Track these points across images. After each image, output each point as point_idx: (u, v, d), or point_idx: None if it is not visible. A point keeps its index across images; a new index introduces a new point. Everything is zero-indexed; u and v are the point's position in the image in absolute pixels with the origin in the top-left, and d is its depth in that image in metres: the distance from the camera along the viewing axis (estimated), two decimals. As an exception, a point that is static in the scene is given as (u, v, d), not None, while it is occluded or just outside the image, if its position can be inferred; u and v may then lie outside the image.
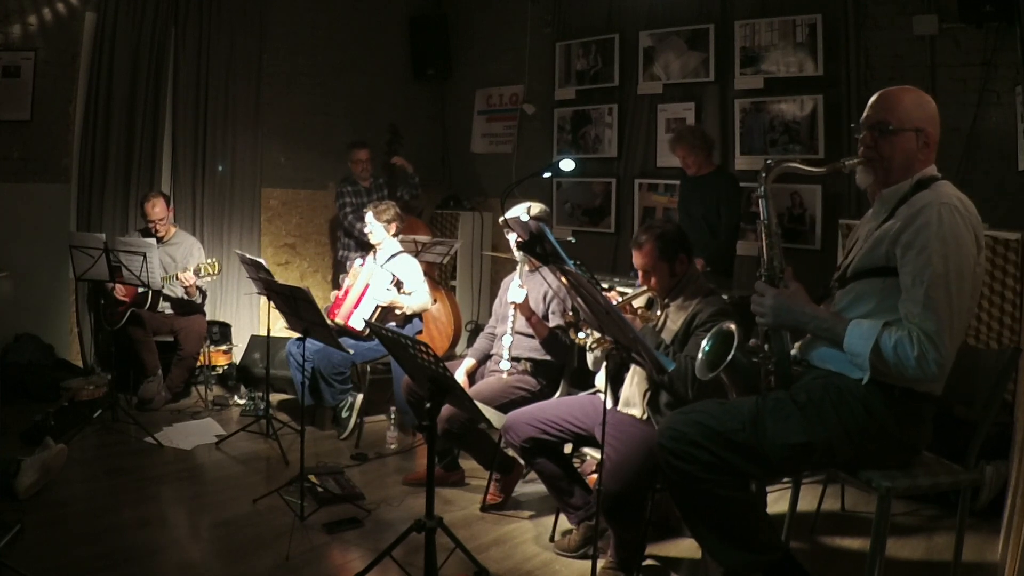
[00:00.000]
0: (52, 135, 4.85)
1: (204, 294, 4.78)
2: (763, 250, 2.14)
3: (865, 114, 2.08)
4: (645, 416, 2.69)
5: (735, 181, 4.43)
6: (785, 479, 3.26)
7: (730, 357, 2.07)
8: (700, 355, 2.19)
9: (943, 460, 2.19)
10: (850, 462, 2.05)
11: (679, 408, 2.23)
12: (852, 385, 1.98)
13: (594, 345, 2.70)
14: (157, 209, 4.61)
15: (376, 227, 4.31)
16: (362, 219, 5.03)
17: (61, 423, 3.87)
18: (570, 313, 2.88)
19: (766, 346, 2.11)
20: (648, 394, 2.70)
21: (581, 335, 2.66)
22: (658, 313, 2.77)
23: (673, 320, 2.71)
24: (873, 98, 2.09)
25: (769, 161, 2.16)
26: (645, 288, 2.79)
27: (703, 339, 2.23)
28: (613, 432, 2.53)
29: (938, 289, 1.85)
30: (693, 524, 2.14)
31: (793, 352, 2.19)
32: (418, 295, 4.23)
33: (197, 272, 4.40)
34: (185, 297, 4.58)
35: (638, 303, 2.82)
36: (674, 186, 5.12)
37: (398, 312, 4.20)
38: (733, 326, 2.15)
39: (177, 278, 4.39)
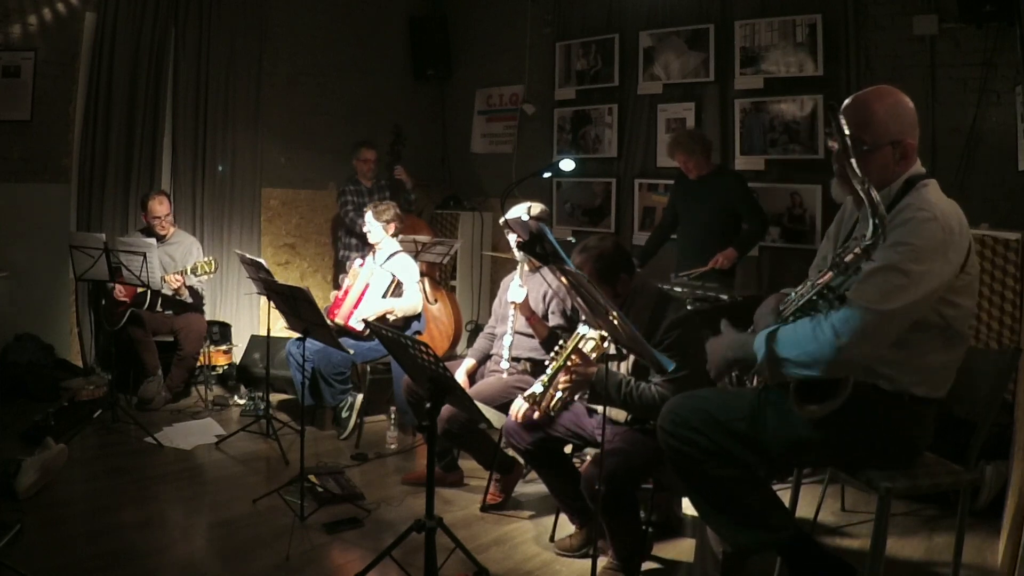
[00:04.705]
0: (52, 135, 4.84)
1: (200, 296, 4.77)
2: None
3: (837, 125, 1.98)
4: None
5: (740, 177, 4.38)
6: (785, 477, 3.27)
7: None
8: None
9: (943, 460, 2.19)
10: (850, 462, 2.05)
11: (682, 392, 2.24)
12: (854, 387, 1.97)
13: (558, 407, 2.70)
14: (163, 207, 4.62)
15: (375, 227, 4.32)
16: (363, 217, 5.01)
17: (61, 423, 3.86)
18: (525, 399, 2.72)
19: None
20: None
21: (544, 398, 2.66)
22: (607, 346, 2.59)
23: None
24: (845, 105, 1.92)
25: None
26: (589, 330, 2.62)
27: None
28: (612, 432, 2.53)
29: (887, 273, 1.74)
30: (696, 502, 2.15)
31: None
32: (408, 297, 4.23)
33: (194, 271, 4.39)
34: (177, 297, 4.56)
35: (588, 347, 2.61)
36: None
37: (390, 318, 4.20)
38: None
39: (164, 280, 4.37)
